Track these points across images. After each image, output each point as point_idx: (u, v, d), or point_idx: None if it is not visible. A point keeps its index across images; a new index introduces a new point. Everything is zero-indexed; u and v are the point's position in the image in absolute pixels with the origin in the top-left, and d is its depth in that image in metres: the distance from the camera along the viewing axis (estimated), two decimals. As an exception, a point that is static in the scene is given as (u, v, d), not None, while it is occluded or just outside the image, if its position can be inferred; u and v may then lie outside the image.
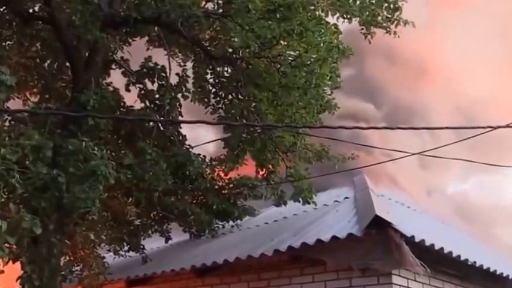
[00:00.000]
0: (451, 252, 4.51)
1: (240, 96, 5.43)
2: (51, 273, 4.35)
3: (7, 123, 4.64)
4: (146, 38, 6.04)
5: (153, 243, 6.68)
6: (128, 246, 6.12)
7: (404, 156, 5.95)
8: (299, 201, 5.50)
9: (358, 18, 5.55)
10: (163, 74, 5.76)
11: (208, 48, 5.66)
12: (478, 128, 3.58)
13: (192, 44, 5.69)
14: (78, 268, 5.48)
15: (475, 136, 3.84)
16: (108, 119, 5.00)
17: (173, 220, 6.20)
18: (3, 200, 3.56)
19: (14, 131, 4.39)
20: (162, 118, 5.72)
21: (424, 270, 4.13)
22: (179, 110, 5.89)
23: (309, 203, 5.51)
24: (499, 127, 3.70)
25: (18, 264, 4.23)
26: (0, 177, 3.46)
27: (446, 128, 3.72)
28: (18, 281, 4.28)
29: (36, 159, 4.08)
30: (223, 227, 6.42)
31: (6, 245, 3.44)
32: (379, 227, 4.31)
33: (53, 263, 4.40)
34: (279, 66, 4.98)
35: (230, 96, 5.58)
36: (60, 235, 4.49)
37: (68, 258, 5.37)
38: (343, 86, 5.53)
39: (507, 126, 3.71)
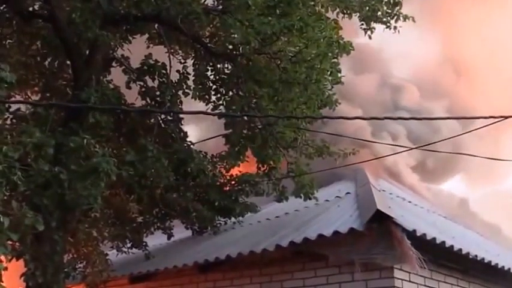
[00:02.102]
0: (452, 246, 4.52)
1: (240, 93, 5.43)
2: (54, 270, 4.37)
3: (8, 121, 4.65)
4: (146, 35, 6.03)
5: (155, 240, 6.71)
6: (131, 243, 6.14)
7: (405, 151, 5.94)
8: (300, 197, 5.51)
9: (358, 14, 5.54)
10: (164, 71, 5.76)
11: (209, 44, 5.65)
12: (482, 118, 3.50)
13: (192, 41, 5.68)
14: (81, 265, 5.50)
15: (482, 127, 3.77)
16: (109, 117, 5.01)
17: (175, 217, 6.21)
18: (5, 197, 3.57)
19: (16, 129, 4.39)
20: (162, 115, 5.73)
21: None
22: (180, 107, 5.89)
23: (310, 199, 5.51)
24: (506, 117, 3.58)
25: (21, 261, 4.25)
26: (2, 175, 3.47)
27: (448, 118, 3.68)
28: (22, 278, 4.31)
29: (38, 157, 4.10)
30: (225, 223, 6.44)
31: (9, 242, 3.45)
32: (380, 221, 4.32)
33: (56, 260, 4.42)
34: (279, 62, 4.97)
35: (231, 93, 5.58)
36: (63, 232, 4.51)
37: (71, 255, 5.39)
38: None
39: (512, 116, 3.61)
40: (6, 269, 3.44)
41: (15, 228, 3.46)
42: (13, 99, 5.37)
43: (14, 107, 4.80)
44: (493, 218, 9.97)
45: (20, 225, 3.58)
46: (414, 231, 4.28)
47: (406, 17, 5.58)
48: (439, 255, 4.59)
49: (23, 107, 5.20)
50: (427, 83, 10.85)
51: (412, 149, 5.22)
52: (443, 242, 4.45)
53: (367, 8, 5.45)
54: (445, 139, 5.56)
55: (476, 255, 4.78)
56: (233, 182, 6.17)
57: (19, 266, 4.29)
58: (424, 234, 4.34)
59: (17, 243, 3.98)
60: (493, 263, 5.00)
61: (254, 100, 5.28)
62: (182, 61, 6.08)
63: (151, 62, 5.76)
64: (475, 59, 10.73)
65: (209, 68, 5.74)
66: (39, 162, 4.08)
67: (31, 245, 4.15)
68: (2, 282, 3.37)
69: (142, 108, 5.56)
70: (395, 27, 5.62)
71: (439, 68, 11.34)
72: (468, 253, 4.68)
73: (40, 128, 4.38)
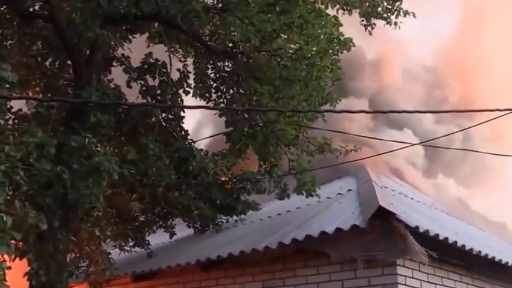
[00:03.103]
0: (455, 242, 4.50)
1: (241, 91, 5.43)
2: (57, 269, 4.39)
3: (10, 122, 4.67)
4: (146, 34, 6.04)
5: (157, 239, 6.72)
6: (133, 241, 6.15)
7: (406, 147, 5.90)
8: (302, 194, 5.51)
9: (358, 10, 5.52)
10: (164, 70, 5.76)
11: (209, 43, 5.65)
12: (488, 111, 3.42)
13: (192, 39, 5.68)
14: (84, 264, 5.52)
15: (489, 121, 3.70)
16: (110, 116, 5.02)
17: (177, 215, 6.22)
18: (8, 197, 3.59)
19: (18, 129, 4.41)
20: (164, 114, 5.73)
21: (429, 259, 4.13)
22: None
23: (312, 196, 5.51)
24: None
25: (24, 260, 4.27)
26: (5, 175, 3.49)
27: (453, 111, 3.61)
28: (25, 277, 4.32)
29: (40, 157, 4.12)
30: (227, 221, 6.44)
31: (13, 241, 3.47)
32: (383, 218, 4.30)
33: (59, 259, 4.44)
34: (279, 59, 4.96)
35: (231, 91, 5.58)
36: (66, 231, 4.53)
37: (74, 254, 5.41)
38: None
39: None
40: (10, 268, 3.46)
41: (19, 228, 3.48)
42: (15, 100, 5.37)
43: (15, 107, 4.82)
44: (498, 215, 9.90)
45: (23, 225, 3.60)
46: (417, 227, 4.27)
47: (406, 13, 5.56)
48: (442, 251, 4.57)
49: (24, 107, 5.23)
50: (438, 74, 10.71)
51: (414, 144, 5.18)
52: (447, 238, 4.43)
53: (367, 4, 5.44)
54: (449, 134, 5.51)
55: (479, 251, 4.75)
56: (234, 180, 6.17)
57: (22, 265, 4.31)
58: (427, 231, 4.32)
59: (20, 243, 4.00)
60: (496, 259, 4.97)
61: (255, 98, 5.27)
62: (182, 59, 6.09)
63: (152, 61, 5.76)
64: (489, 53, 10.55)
65: (209, 66, 5.75)
66: (42, 161, 4.10)
67: (34, 244, 4.17)
68: (6, 281, 3.38)
69: (145, 103, 5.56)
70: (395, 23, 5.61)
71: (450, 59, 11.18)
72: (471, 249, 4.65)
73: (42, 127, 4.40)
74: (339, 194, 6.36)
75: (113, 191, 5.38)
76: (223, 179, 6.16)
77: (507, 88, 9.89)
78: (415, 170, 8.84)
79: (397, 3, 5.50)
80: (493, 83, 10.30)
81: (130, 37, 5.80)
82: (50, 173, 4.12)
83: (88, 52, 5.25)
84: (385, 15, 5.56)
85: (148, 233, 6.26)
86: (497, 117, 3.68)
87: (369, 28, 5.63)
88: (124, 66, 5.87)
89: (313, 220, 5.25)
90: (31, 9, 5.53)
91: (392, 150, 5.86)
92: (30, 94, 5.99)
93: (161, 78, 5.78)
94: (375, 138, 6.40)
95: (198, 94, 5.80)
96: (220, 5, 5.20)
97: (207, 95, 5.76)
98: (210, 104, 5.67)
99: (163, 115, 5.85)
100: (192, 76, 5.90)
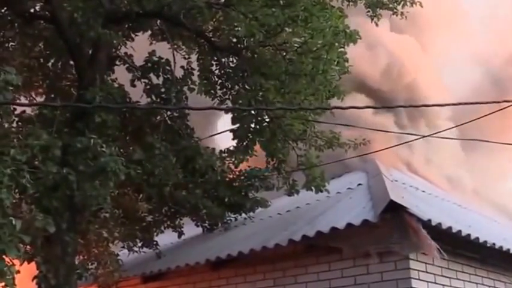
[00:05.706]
0: (469, 235, 4.41)
1: (246, 86, 5.35)
2: (66, 272, 4.37)
3: (15, 124, 4.64)
4: (149, 32, 5.99)
5: (166, 239, 6.69)
6: (141, 242, 6.12)
7: (415, 140, 5.81)
8: (311, 190, 5.43)
9: (363, 1, 5.42)
10: (168, 68, 5.71)
11: (212, 39, 5.58)
12: (496, 102, 3.38)
13: (196, 36, 5.62)
14: (93, 266, 5.50)
15: (495, 112, 3.66)
16: (115, 116, 4.98)
17: (185, 214, 6.18)
18: (15, 200, 3.56)
19: (22, 131, 4.38)
20: (168, 112, 5.68)
21: (441, 255, 4.05)
22: (186, 103, 5.84)
23: (321, 191, 5.43)
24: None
25: (33, 264, 4.24)
26: (11, 178, 3.46)
27: (460, 104, 3.55)
28: (35, 281, 4.30)
29: (46, 159, 4.09)
30: (236, 219, 6.39)
31: (21, 245, 3.44)
32: (394, 212, 4.22)
33: (67, 262, 4.41)
34: (284, 53, 4.88)
35: (237, 87, 5.50)
36: (73, 233, 4.50)
37: (82, 256, 5.39)
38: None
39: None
40: (18, 272, 3.43)
41: (26, 231, 3.45)
42: (18, 101, 5.34)
43: (19, 109, 4.79)
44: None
45: (31, 228, 3.57)
46: (429, 220, 4.18)
47: (413, 3, 5.45)
48: (455, 244, 4.49)
49: (28, 109, 5.19)
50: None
51: (424, 136, 5.08)
52: (460, 231, 4.34)
53: (372, -6, 5.33)
54: (454, 127, 5.42)
55: (494, 244, 4.66)
56: (242, 177, 6.11)
57: (31, 269, 4.28)
58: (440, 224, 4.23)
59: (28, 246, 3.97)
60: (511, 251, 4.88)
61: (261, 93, 5.20)
62: (186, 57, 6.03)
63: (155, 58, 5.70)
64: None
65: (214, 63, 5.68)
66: (47, 164, 4.07)
67: (42, 247, 4.14)
68: (15, 285, 3.35)
69: (150, 106, 5.52)
70: (402, 13, 5.50)
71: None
72: (486, 242, 4.56)
73: (46, 129, 4.36)
74: (349, 188, 6.27)
75: (120, 191, 5.34)
76: (231, 176, 6.10)
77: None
78: (426, 162, 8.71)
79: (403, -7, 5.39)
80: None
81: (133, 35, 5.75)
82: (56, 175, 4.09)
83: (91, 52, 5.20)
84: (391, 5, 5.46)
85: (156, 233, 6.22)
86: (506, 107, 3.60)
87: (375, 19, 5.53)
88: (127, 65, 5.82)
89: (323, 216, 5.18)
90: (32, 10, 5.49)
91: (401, 144, 5.77)
92: (34, 95, 5.96)
93: (165, 76, 5.72)
94: (382, 131, 6.31)
95: (202, 91, 5.74)
96: (223, 0, 5.12)
97: (212, 91, 5.69)
98: (216, 101, 5.60)
99: (168, 113, 5.80)
100: (196, 73, 5.84)
